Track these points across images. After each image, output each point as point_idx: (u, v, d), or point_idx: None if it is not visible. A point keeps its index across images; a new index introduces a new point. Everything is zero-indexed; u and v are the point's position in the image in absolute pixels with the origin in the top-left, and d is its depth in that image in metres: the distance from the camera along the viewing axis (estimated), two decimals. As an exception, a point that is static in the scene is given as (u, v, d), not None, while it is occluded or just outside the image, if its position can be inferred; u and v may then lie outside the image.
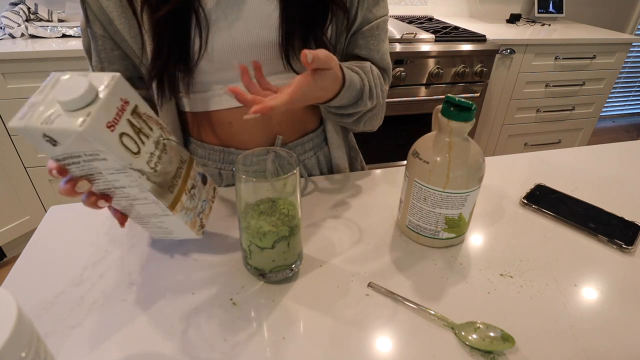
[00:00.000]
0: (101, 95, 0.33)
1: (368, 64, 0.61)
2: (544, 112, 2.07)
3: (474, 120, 0.46)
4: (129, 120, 0.36)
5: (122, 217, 0.43)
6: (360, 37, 0.63)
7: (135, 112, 0.37)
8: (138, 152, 0.36)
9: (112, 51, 0.56)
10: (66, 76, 0.35)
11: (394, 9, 2.16)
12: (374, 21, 0.62)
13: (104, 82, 0.34)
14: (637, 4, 2.57)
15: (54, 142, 0.33)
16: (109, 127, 0.34)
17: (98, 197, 0.39)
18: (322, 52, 0.46)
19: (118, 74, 0.35)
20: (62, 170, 0.36)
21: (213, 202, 0.49)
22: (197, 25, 0.51)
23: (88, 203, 0.39)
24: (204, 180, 0.47)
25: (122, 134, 0.35)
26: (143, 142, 0.37)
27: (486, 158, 0.53)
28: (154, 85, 0.55)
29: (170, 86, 0.55)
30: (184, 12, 0.50)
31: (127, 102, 0.36)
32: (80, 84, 0.33)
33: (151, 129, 0.38)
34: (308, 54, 0.44)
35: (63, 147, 0.33)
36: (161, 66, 0.53)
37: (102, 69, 0.57)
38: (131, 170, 0.36)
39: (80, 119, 0.32)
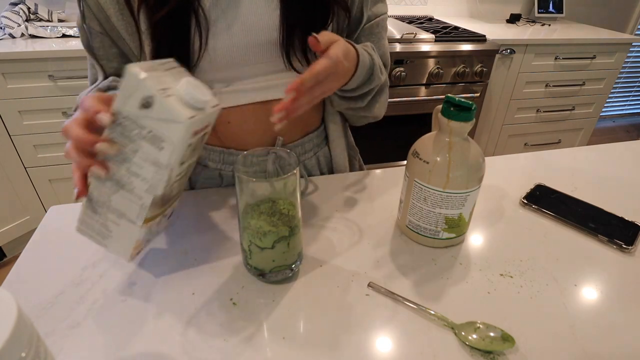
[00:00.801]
0: (206, 109, 0.38)
1: (367, 44, 0.61)
2: (544, 112, 2.07)
3: (474, 120, 0.46)
4: (198, 139, 0.40)
5: (83, 190, 0.40)
6: (362, 35, 0.63)
7: (203, 137, 0.41)
8: (183, 164, 0.40)
9: (110, 48, 0.56)
10: (189, 77, 0.38)
11: (394, 9, 2.16)
12: (374, 19, 0.62)
13: (213, 102, 0.40)
14: (637, 4, 2.57)
15: (146, 106, 0.35)
16: (194, 133, 0.38)
17: (99, 163, 0.37)
18: (324, 32, 0.46)
19: (221, 105, 0.41)
20: (108, 146, 0.36)
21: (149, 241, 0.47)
22: (196, 26, 0.51)
23: (81, 160, 0.37)
24: (171, 214, 0.48)
25: (190, 144, 0.38)
26: (188, 159, 0.40)
27: (486, 158, 0.53)
28: None
29: None
30: (184, 13, 0.50)
31: (207, 127, 0.41)
32: (206, 90, 0.38)
33: (196, 154, 0.42)
34: (315, 36, 0.44)
35: (148, 116, 0.35)
36: None
37: (100, 67, 0.57)
38: (166, 173, 0.37)
39: (190, 113, 0.36)
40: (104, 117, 0.36)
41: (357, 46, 0.54)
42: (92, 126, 0.37)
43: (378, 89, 0.63)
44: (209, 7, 0.52)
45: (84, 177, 0.40)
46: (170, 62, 0.41)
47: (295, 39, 0.55)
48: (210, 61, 0.54)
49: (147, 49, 0.53)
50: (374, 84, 0.59)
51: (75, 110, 0.52)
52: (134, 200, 0.39)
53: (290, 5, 0.54)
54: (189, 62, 0.54)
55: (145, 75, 0.35)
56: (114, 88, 0.55)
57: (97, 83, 0.58)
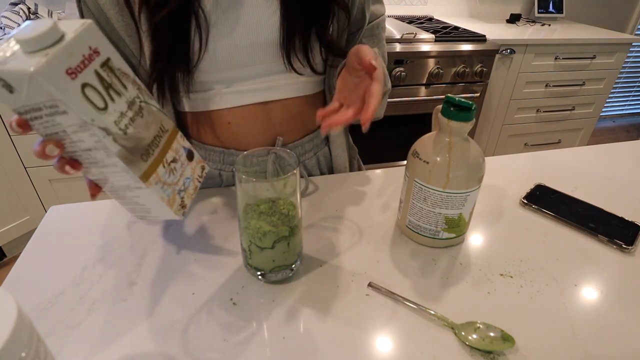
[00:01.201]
0: (66, 38, 0.30)
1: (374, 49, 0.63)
2: (544, 112, 2.07)
3: (474, 120, 0.46)
4: (97, 72, 0.32)
5: (94, 188, 0.40)
6: (362, 36, 0.63)
7: (106, 65, 0.33)
8: (104, 109, 0.33)
9: None
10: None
11: (394, 9, 2.16)
12: (374, 20, 0.63)
13: (74, 26, 0.31)
14: (637, 4, 2.57)
15: (10, 88, 0.30)
16: (69, 73, 0.30)
17: (66, 162, 0.36)
18: (364, 50, 0.47)
19: (90, 20, 0.32)
20: (23, 123, 0.33)
21: (200, 181, 0.44)
22: (196, 27, 0.51)
23: (57, 167, 0.36)
24: (190, 156, 0.43)
25: (85, 85, 0.31)
26: (112, 99, 0.33)
27: (486, 158, 0.53)
28: (154, 87, 0.55)
29: (170, 87, 0.55)
30: (184, 14, 0.50)
31: (97, 52, 0.32)
32: (44, 23, 0.29)
33: (125, 87, 0.35)
34: (373, 64, 0.45)
35: (21, 95, 0.30)
36: (161, 68, 0.53)
37: None
38: (94, 127, 0.32)
39: (36, 59, 0.29)
40: (12, 123, 0.33)
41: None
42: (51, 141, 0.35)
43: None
44: (210, 8, 0.52)
45: (89, 180, 0.40)
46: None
47: (295, 40, 0.55)
48: (211, 62, 0.54)
49: (147, 50, 0.52)
50: (387, 87, 0.61)
51: None
52: (116, 170, 0.36)
53: (290, 6, 0.53)
54: (189, 63, 0.54)
55: None
56: None
57: None
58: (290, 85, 0.60)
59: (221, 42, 0.53)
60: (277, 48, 0.56)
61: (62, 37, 0.30)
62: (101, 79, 0.33)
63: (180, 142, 0.42)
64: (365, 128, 0.45)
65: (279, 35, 0.55)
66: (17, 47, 0.30)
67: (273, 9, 0.54)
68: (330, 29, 0.57)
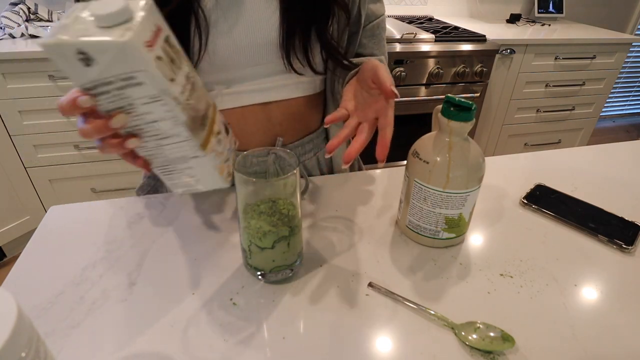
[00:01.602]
0: (138, 15, 0.32)
1: (381, 58, 0.64)
2: (544, 112, 2.07)
3: (474, 120, 0.46)
4: (163, 47, 0.34)
5: (145, 164, 0.40)
6: (362, 36, 0.63)
7: (167, 41, 0.35)
8: (174, 80, 0.35)
9: None
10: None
11: (394, 9, 2.16)
12: (375, 20, 0.63)
13: (139, 4, 0.33)
14: (637, 4, 2.57)
15: (88, 62, 0.31)
16: (147, 46, 0.32)
17: (126, 137, 0.36)
18: (379, 71, 0.46)
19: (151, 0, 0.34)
20: (88, 99, 0.33)
21: (235, 153, 0.46)
22: (196, 27, 0.51)
23: (111, 145, 0.36)
24: (227, 130, 0.45)
25: (158, 57, 0.33)
26: (175, 72, 0.35)
27: (486, 158, 0.53)
28: None
29: None
30: (184, 14, 0.50)
31: (160, 29, 0.34)
32: (116, 2, 0.31)
33: (181, 62, 0.37)
34: (394, 92, 0.44)
35: (99, 67, 0.32)
36: None
37: None
38: (167, 97, 0.34)
39: (121, 31, 0.30)
40: (83, 99, 0.33)
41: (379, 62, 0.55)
42: (94, 116, 0.35)
43: None
44: (210, 8, 0.52)
45: (136, 157, 0.40)
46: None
47: (295, 40, 0.55)
48: (210, 62, 0.54)
49: None
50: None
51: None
52: (178, 141, 0.38)
53: (290, 6, 0.53)
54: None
55: (54, 39, 0.30)
56: None
57: None
58: (290, 85, 0.60)
59: (221, 42, 0.53)
60: (277, 48, 0.56)
61: (133, 15, 0.32)
62: (167, 52, 0.34)
63: (219, 116, 0.44)
64: (382, 163, 0.43)
65: (278, 35, 0.55)
66: (89, 21, 0.31)
67: (272, 9, 0.54)
68: (331, 30, 0.57)
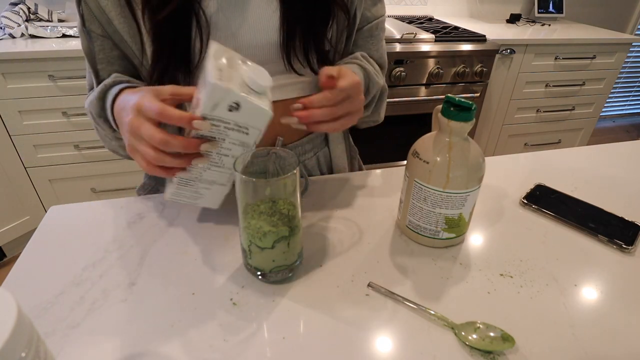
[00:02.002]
0: (269, 91, 0.44)
1: (357, 54, 0.63)
2: (544, 112, 2.07)
3: (474, 120, 0.46)
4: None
5: (170, 173, 0.44)
6: (359, 37, 0.63)
7: None
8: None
9: (111, 51, 0.55)
10: (248, 62, 0.44)
11: (394, 9, 2.16)
12: (373, 21, 0.63)
13: (270, 81, 0.44)
14: (637, 4, 2.57)
15: (232, 109, 0.40)
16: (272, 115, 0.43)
17: (194, 156, 0.42)
18: (326, 67, 0.49)
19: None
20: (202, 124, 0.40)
21: None
22: (197, 27, 0.51)
23: (181, 159, 0.42)
24: None
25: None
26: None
27: (486, 158, 0.53)
28: None
29: None
30: (185, 14, 0.50)
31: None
32: (265, 74, 0.43)
33: None
34: (330, 74, 0.47)
35: (235, 114, 0.40)
36: (162, 69, 0.53)
37: (102, 70, 0.57)
38: (252, 146, 0.44)
39: (265, 101, 0.42)
40: (203, 125, 0.39)
41: (348, 64, 0.57)
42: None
43: (379, 95, 0.64)
44: (211, 9, 0.51)
45: (170, 170, 0.43)
46: (217, 48, 0.43)
47: (295, 41, 0.55)
48: None
49: (149, 50, 0.52)
50: (372, 92, 0.61)
51: (104, 113, 0.53)
52: (224, 171, 0.46)
53: (290, 7, 0.53)
54: (190, 63, 0.53)
55: (230, 85, 0.38)
56: (119, 83, 0.54)
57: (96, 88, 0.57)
58: (290, 85, 0.60)
59: (222, 42, 0.53)
60: (277, 49, 0.56)
61: (267, 90, 0.44)
62: None
63: None
64: (294, 119, 0.47)
65: (279, 36, 0.55)
66: (243, 80, 0.41)
67: (273, 8, 0.54)
68: (330, 30, 0.57)
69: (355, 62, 0.60)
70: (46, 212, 0.58)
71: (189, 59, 0.53)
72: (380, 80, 0.62)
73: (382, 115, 0.69)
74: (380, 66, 0.67)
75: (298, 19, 0.54)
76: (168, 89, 0.43)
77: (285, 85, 0.60)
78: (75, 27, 1.47)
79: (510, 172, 0.71)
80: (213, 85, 0.38)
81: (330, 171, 0.72)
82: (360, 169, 0.78)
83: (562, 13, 2.30)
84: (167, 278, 0.47)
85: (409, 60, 1.61)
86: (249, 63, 0.44)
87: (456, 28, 1.84)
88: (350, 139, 0.75)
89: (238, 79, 0.40)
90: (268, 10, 0.53)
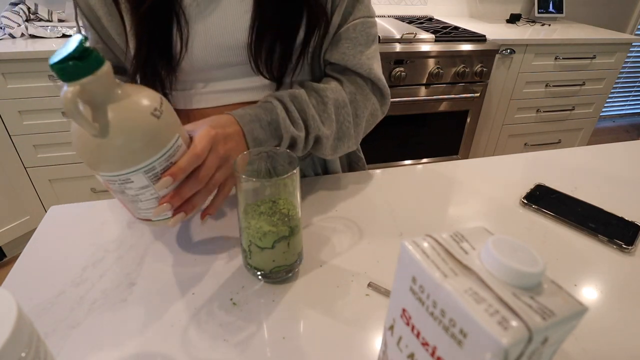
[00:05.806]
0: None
1: (307, 86, 0.57)
2: (544, 112, 2.07)
3: (104, 65, 0.33)
4: None
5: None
6: (335, 39, 0.57)
7: None
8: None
9: (97, 45, 0.57)
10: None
11: (394, 9, 2.16)
12: (351, 22, 0.56)
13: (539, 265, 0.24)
14: (637, 4, 2.57)
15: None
16: None
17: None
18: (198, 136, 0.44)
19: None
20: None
21: None
22: (177, 25, 0.51)
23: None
24: None
25: None
26: None
27: (486, 158, 0.53)
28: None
29: (160, 84, 0.56)
30: (164, 10, 0.50)
31: None
32: (526, 253, 0.25)
33: None
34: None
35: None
36: (140, 62, 0.53)
37: None
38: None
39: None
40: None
41: (251, 108, 0.51)
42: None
43: (322, 136, 0.56)
44: (189, 9, 0.51)
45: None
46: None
47: (263, 43, 0.53)
48: (189, 61, 0.54)
49: (131, 45, 0.53)
50: (289, 137, 0.53)
51: None
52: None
53: (262, 9, 0.52)
54: (171, 61, 0.54)
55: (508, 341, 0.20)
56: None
57: None
58: (268, 87, 0.58)
59: (198, 41, 0.53)
60: (245, 50, 0.54)
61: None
62: None
63: None
64: (172, 220, 0.43)
65: (247, 38, 0.53)
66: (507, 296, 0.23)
67: (244, 10, 0.52)
68: (301, 33, 0.54)
69: (268, 100, 0.53)
70: (46, 212, 0.58)
71: (170, 57, 0.53)
72: (321, 125, 0.55)
73: (351, 146, 0.61)
74: (369, 79, 0.59)
75: (269, 20, 0.52)
76: None
77: (262, 86, 0.58)
78: (75, 27, 1.47)
79: (510, 172, 0.71)
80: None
81: (325, 172, 0.72)
82: (363, 169, 0.78)
83: (562, 13, 2.30)
84: (167, 278, 0.47)
85: (409, 60, 1.61)
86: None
87: (456, 28, 1.84)
88: None
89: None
90: (239, 10, 0.52)
